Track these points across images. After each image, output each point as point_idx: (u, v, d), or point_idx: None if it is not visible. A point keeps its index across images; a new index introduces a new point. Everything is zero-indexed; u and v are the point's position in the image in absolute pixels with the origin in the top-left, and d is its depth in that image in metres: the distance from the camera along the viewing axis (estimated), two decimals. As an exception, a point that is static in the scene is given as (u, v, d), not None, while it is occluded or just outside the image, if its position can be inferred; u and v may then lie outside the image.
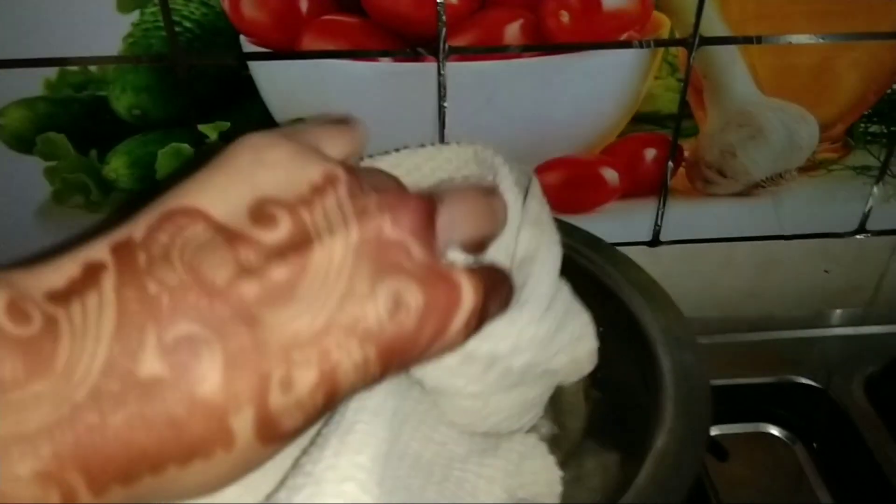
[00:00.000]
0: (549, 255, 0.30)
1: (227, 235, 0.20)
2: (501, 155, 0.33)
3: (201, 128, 0.48)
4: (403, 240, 0.21)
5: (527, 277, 0.29)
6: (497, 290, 0.24)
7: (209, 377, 0.18)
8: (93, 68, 0.45)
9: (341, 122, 0.26)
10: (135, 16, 0.43)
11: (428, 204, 0.23)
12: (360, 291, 0.20)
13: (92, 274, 0.19)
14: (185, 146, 0.48)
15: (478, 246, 0.25)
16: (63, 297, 0.18)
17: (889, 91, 0.51)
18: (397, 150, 0.34)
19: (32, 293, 0.18)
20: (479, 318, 0.23)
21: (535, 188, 0.33)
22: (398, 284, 0.21)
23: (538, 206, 0.32)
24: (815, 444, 0.53)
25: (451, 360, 0.25)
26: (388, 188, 0.23)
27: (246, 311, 0.19)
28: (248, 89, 0.47)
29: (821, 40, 0.48)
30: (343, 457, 0.22)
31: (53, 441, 0.17)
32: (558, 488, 0.29)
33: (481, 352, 0.26)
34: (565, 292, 0.31)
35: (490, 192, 0.26)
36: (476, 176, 0.32)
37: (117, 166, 0.49)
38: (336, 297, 0.20)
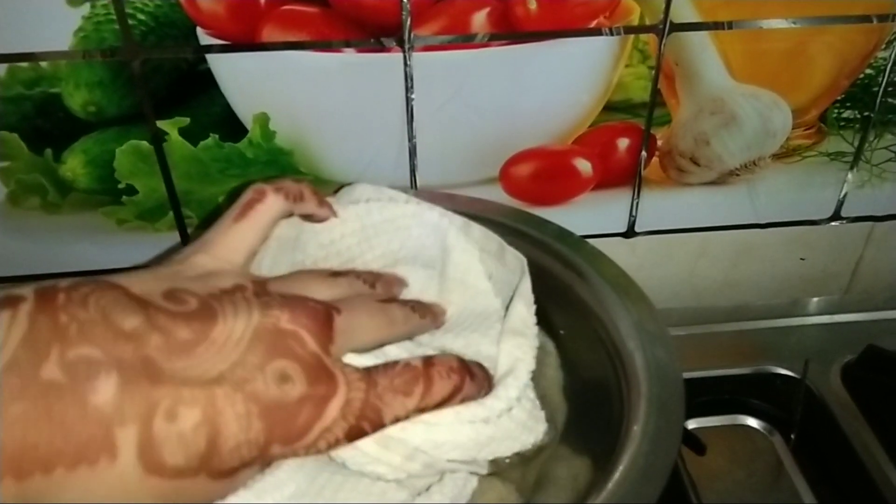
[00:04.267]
0: (524, 367, 0.30)
1: (142, 302, 0.23)
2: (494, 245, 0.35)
3: (160, 124, 0.46)
4: (298, 331, 0.25)
5: (496, 388, 0.29)
6: (398, 389, 0.26)
7: (102, 389, 0.21)
8: (44, 64, 0.43)
9: (252, 201, 0.30)
10: (85, 9, 0.42)
11: (325, 309, 0.26)
12: (252, 362, 0.23)
13: (10, 301, 0.21)
14: (144, 143, 0.47)
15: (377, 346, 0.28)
16: None
17: (861, 76, 0.51)
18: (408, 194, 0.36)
19: None
20: (361, 411, 0.25)
21: (525, 285, 0.34)
22: (287, 364, 0.24)
23: (524, 308, 0.33)
24: (792, 435, 0.53)
25: (367, 447, 0.26)
26: (293, 295, 0.27)
27: (145, 353, 0.22)
28: (207, 83, 0.45)
29: (793, 24, 0.48)
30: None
31: None
32: None
33: (398, 437, 0.26)
34: (528, 400, 0.30)
35: (389, 301, 0.30)
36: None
37: (74, 165, 0.47)
38: (230, 361, 0.23)
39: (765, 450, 0.52)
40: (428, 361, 0.27)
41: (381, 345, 0.28)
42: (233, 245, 0.29)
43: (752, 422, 0.54)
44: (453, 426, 0.27)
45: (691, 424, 0.52)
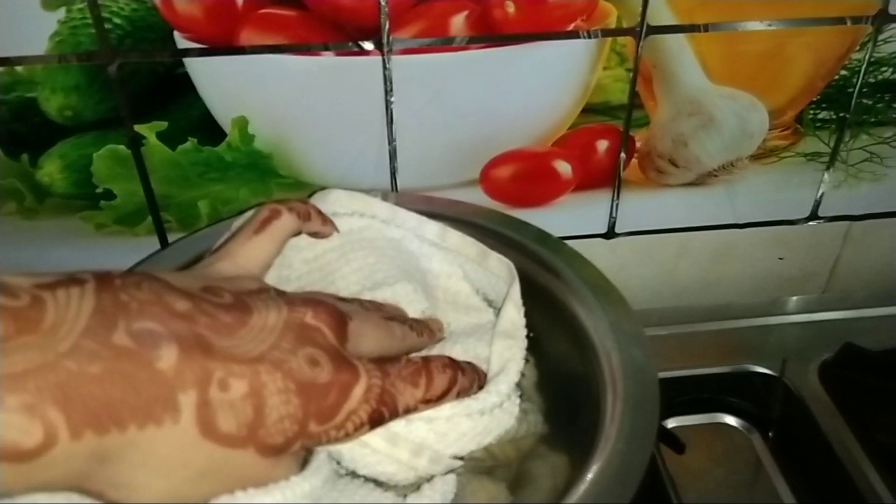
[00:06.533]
0: (515, 366, 0.33)
1: (185, 293, 0.25)
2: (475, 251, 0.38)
3: (138, 128, 0.46)
4: (320, 327, 0.28)
5: (489, 385, 0.32)
6: (409, 380, 0.29)
7: (165, 356, 0.23)
8: (20, 69, 0.43)
9: (266, 219, 0.33)
10: (61, 13, 0.41)
11: (341, 313, 0.29)
12: (285, 347, 0.26)
13: (76, 280, 0.24)
14: (122, 148, 0.47)
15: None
16: (49, 286, 0.23)
17: (837, 77, 0.51)
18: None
19: (22, 283, 0.23)
20: (380, 397, 0.28)
21: (515, 290, 0.36)
22: (315, 351, 0.27)
23: (514, 312, 0.35)
24: (770, 433, 0.53)
25: (377, 443, 0.29)
26: (311, 297, 0.29)
27: (197, 331, 0.24)
28: (185, 87, 0.45)
29: (769, 26, 0.48)
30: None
31: (37, 379, 0.21)
32: None
33: (404, 433, 0.29)
34: (517, 396, 0.33)
35: (390, 319, 0.33)
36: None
37: (51, 170, 0.47)
38: (267, 344, 0.26)
39: (743, 448, 0.52)
40: (425, 359, 0.30)
41: (380, 356, 0.30)
42: (252, 255, 0.32)
43: (731, 420, 0.54)
44: (453, 419, 0.30)
45: (671, 423, 0.52)
